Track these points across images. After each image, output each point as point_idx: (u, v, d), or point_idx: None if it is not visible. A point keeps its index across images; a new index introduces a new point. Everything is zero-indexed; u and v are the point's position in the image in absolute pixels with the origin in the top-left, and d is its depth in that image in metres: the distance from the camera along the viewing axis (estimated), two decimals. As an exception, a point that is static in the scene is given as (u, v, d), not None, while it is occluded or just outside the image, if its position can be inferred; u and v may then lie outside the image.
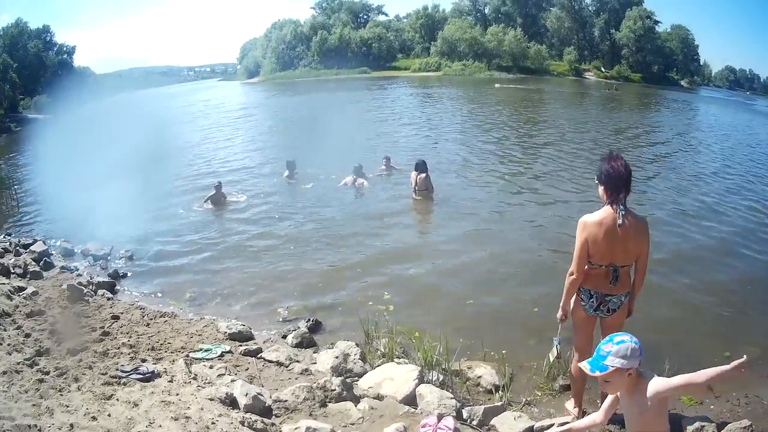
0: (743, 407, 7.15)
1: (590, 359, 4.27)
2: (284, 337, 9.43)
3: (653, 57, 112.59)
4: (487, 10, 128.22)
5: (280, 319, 10.22)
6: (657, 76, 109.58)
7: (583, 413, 6.66)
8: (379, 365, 8.06)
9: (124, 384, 6.82)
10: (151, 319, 9.78)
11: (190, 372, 7.40)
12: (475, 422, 6.64)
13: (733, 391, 7.49)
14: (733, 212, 16.63)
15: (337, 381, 7.05)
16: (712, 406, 7.17)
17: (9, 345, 7.61)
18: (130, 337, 8.74)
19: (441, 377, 7.62)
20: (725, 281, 11.54)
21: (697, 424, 6.22)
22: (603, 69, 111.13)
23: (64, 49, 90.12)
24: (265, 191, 18.90)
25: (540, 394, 7.58)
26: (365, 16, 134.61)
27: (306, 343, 9.13)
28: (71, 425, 5.43)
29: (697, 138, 33.67)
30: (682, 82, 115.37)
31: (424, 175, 16.80)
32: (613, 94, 70.54)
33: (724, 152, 28.66)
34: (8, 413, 5.54)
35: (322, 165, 20.88)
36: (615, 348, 4.18)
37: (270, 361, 8.25)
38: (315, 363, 8.33)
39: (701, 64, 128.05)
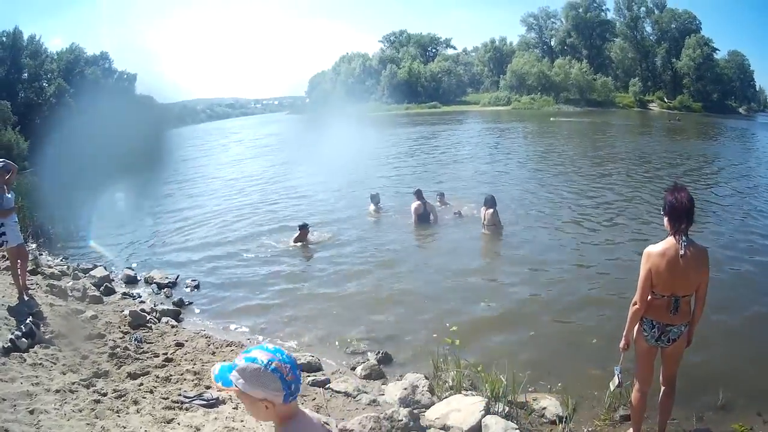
0: None
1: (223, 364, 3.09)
2: (353, 368, 9.33)
3: (713, 85, 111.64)
4: (553, 42, 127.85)
5: (349, 351, 10.10)
6: (717, 105, 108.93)
7: None
8: (446, 397, 7.94)
9: (187, 409, 6.76)
10: (217, 347, 9.72)
11: (256, 400, 7.23)
12: None
13: None
14: None
15: (404, 412, 6.90)
16: None
17: (64, 365, 7.61)
18: (195, 364, 8.69)
19: (507, 408, 7.55)
20: None
21: None
22: (666, 99, 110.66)
23: (125, 76, 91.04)
24: (346, 225, 18.64)
25: (601, 424, 7.52)
26: (434, 50, 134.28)
27: (375, 374, 9.02)
28: None
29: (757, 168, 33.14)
30: (740, 110, 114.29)
31: (492, 210, 16.64)
32: (675, 125, 70.25)
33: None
34: (58, 430, 5.47)
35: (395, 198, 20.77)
36: (242, 363, 2.93)
37: (338, 392, 8.15)
38: (383, 394, 8.24)
39: (757, 90, 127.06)
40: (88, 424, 5.78)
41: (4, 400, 6.06)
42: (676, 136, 51.64)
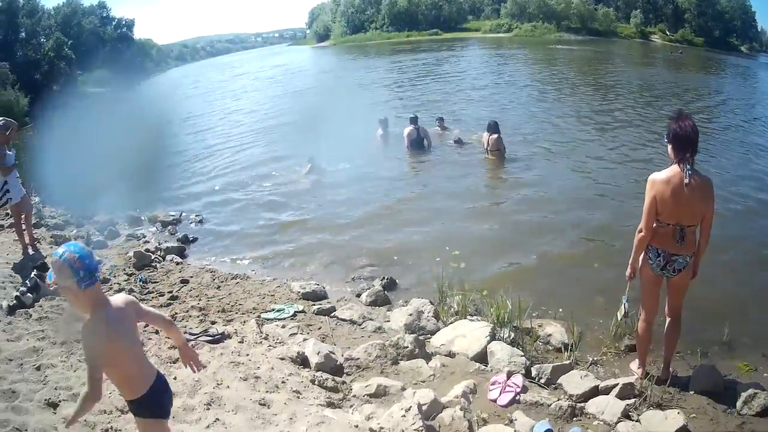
0: None
1: None
2: (358, 295, 9.37)
3: (714, 22, 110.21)
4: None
5: (355, 278, 10.14)
6: (718, 41, 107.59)
7: (646, 374, 6.64)
8: (452, 322, 7.99)
9: (192, 346, 6.64)
10: (222, 281, 9.80)
11: (261, 332, 7.39)
12: (543, 380, 6.61)
13: None
14: None
15: (409, 338, 7.02)
16: (765, 374, 7.03)
17: (69, 314, 7.62)
18: (200, 300, 8.76)
19: (512, 335, 7.63)
20: None
21: (750, 391, 6.08)
22: (667, 32, 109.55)
23: (123, 22, 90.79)
24: (353, 153, 18.16)
25: (607, 353, 7.55)
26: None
27: (380, 301, 9.05)
28: None
29: (754, 101, 32.73)
30: (743, 48, 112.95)
31: (496, 135, 16.48)
32: (678, 57, 69.42)
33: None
34: (65, 383, 5.54)
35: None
36: (52, 258, 3.68)
37: (343, 320, 8.23)
38: (388, 321, 8.28)
39: (759, 30, 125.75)
40: None
41: (11, 360, 6.11)
42: (680, 69, 50.87)
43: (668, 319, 6.62)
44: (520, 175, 15.51)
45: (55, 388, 5.49)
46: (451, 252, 10.57)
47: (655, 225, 6.09)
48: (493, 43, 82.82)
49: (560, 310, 8.52)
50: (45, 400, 5.23)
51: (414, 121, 18.03)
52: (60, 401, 5.24)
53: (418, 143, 17.92)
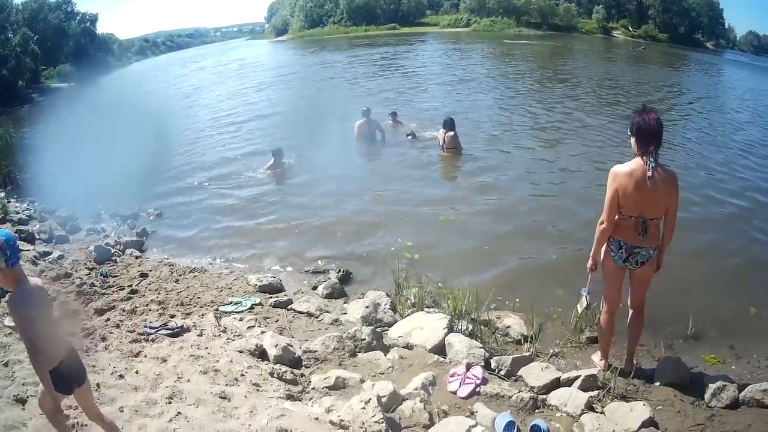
0: (764, 370, 7.11)
1: None
2: (315, 288, 9.45)
3: (679, 18, 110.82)
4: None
5: (311, 271, 10.21)
6: (683, 37, 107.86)
7: (609, 366, 6.67)
8: (409, 315, 8.07)
9: (153, 340, 6.86)
10: (180, 275, 9.84)
11: (219, 325, 7.45)
12: (503, 372, 6.65)
13: (755, 353, 7.47)
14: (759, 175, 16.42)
15: (367, 330, 7.07)
16: (733, 366, 7.15)
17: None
18: (159, 293, 8.79)
19: (470, 327, 7.65)
20: (748, 242, 11.41)
21: (719, 383, 6.15)
22: (630, 28, 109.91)
23: (87, 17, 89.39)
24: (314, 147, 18.00)
25: (567, 345, 7.61)
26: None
27: (336, 293, 9.14)
28: (97, 385, 5.47)
29: (724, 99, 33.06)
30: (708, 44, 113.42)
31: (452, 133, 16.46)
32: (640, 53, 69.66)
33: (751, 114, 28.17)
34: (32, 378, 5.57)
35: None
36: None
37: (300, 312, 8.29)
38: (345, 313, 8.34)
39: (726, 27, 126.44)
40: None
41: (-22, 358, 6.11)
42: (643, 65, 51.04)
43: (631, 312, 6.65)
44: (475, 172, 15.60)
45: (23, 384, 5.54)
46: (404, 243, 10.75)
47: (617, 217, 6.12)
48: (451, 37, 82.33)
49: (517, 301, 8.58)
50: (13, 396, 5.29)
51: (366, 113, 18.03)
52: (28, 396, 5.30)
53: (370, 136, 17.95)
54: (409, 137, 18.20)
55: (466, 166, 16.11)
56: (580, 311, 7.20)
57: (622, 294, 6.58)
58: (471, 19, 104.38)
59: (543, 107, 24.74)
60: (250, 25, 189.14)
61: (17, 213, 13.40)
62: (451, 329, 7.41)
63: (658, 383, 6.45)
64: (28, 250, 10.40)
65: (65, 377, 4.31)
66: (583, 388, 6.14)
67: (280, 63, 58.76)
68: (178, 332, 7.13)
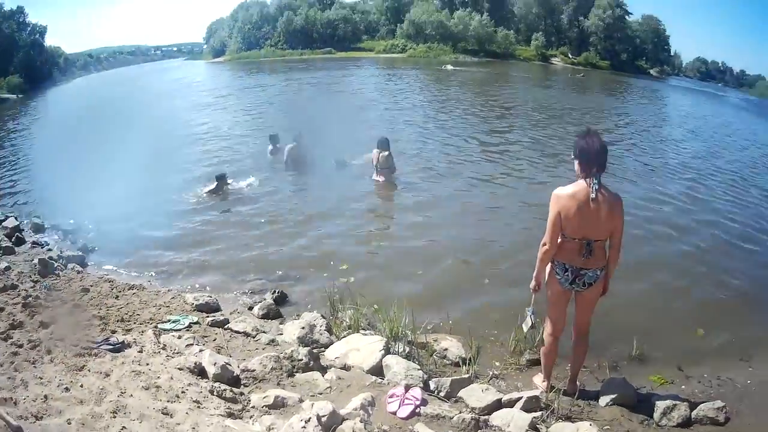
0: (715, 388, 7.31)
1: None
2: (250, 308, 9.58)
3: (622, 45, 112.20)
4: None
5: (247, 291, 10.37)
6: (625, 64, 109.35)
7: (552, 388, 6.69)
8: (344, 336, 8.19)
9: (95, 355, 6.91)
10: (120, 291, 9.88)
11: (159, 342, 7.53)
12: (442, 393, 6.74)
13: (705, 372, 7.67)
14: (708, 195, 17.20)
15: (303, 351, 7.19)
16: (683, 386, 7.33)
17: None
18: (100, 309, 8.82)
19: (407, 349, 7.71)
20: (693, 264, 11.80)
21: (668, 402, 6.34)
22: (570, 55, 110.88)
23: (37, 29, 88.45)
24: (247, 169, 18.57)
25: (507, 368, 7.73)
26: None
27: (272, 314, 9.29)
28: (45, 396, 5.54)
29: (660, 123, 34.20)
30: (652, 71, 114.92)
31: (387, 152, 16.57)
32: (579, 79, 70.30)
33: (687, 137, 29.29)
34: None
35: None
36: None
37: (237, 332, 8.39)
38: (281, 334, 8.47)
39: (672, 54, 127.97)
40: (9, 378, 5.92)
41: None
42: (582, 91, 51.83)
43: (575, 334, 6.72)
44: (407, 195, 15.96)
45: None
46: (339, 267, 11.00)
47: (560, 240, 6.14)
48: (386, 63, 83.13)
49: (451, 323, 8.71)
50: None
51: (297, 138, 18.26)
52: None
53: (301, 161, 18.08)
54: (336, 163, 18.28)
55: (399, 187, 16.49)
56: (525, 330, 7.15)
57: (566, 316, 6.63)
58: (407, 45, 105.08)
59: (479, 133, 25.40)
60: (189, 45, 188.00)
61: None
62: (387, 351, 7.47)
63: (603, 403, 6.59)
64: (-25, 262, 10.42)
65: None
66: (526, 409, 6.21)
67: (217, 85, 58.65)
68: (119, 348, 7.19)
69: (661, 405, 6.34)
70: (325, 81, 52.78)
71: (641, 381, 7.33)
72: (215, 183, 15.95)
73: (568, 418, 6.18)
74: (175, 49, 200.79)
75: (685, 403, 6.37)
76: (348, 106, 33.77)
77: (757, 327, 9.24)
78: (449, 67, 76.06)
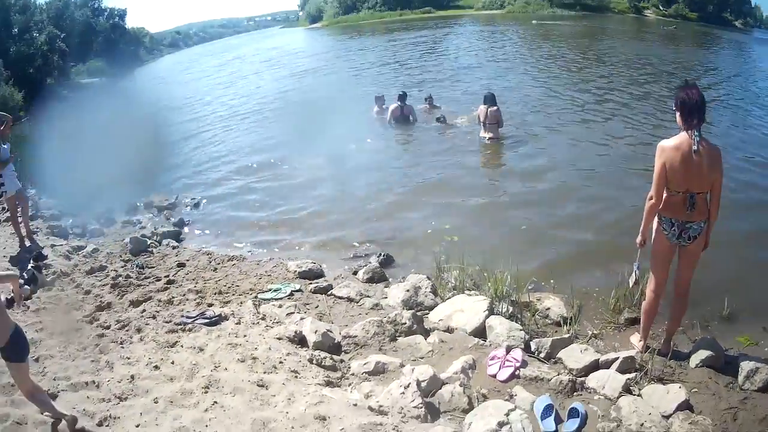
0: None
1: None
2: (355, 273, 9.35)
3: None
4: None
5: (351, 256, 10.13)
6: (712, 16, 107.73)
7: (647, 348, 6.59)
8: (449, 298, 7.96)
9: (190, 330, 6.83)
10: (219, 263, 9.79)
11: (258, 313, 7.41)
12: (542, 354, 6.55)
13: None
14: None
15: (407, 314, 7.01)
16: (766, 348, 6.97)
17: (67, 304, 7.70)
18: (197, 283, 8.76)
19: (510, 309, 7.58)
20: None
21: (752, 365, 6.01)
22: (661, 7, 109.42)
23: (115, 12, 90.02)
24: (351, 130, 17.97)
25: (606, 327, 7.49)
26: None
27: (377, 278, 9.04)
28: (132, 377, 5.44)
29: (757, 78, 32.41)
30: (737, 23, 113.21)
31: (494, 108, 16.12)
32: (671, 31, 69.15)
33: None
34: (64, 373, 5.58)
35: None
36: None
37: (340, 298, 8.23)
38: (386, 297, 8.26)
39: (752, 6, 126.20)
40: (92, 360, 5.87)
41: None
42: (675, 44, 50.36)
43: (676, 292, 6.55)
44: (512, 156, 15.42)
45: (54, 379, 5.49)
46: (443, 227, 10.64)
47: (665, 195, 6.08)
48: (486, 20, 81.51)
49: (561, 284, 8.44)
50: (45, 391, 5.21)
51: (402, 98, 18.14)
52: (59, 392, 5.24)
53: (404, 119, 17.99)
54: (440, 121, 17.99)
55: (503, 149, 15.93)
56: (631, 285, 7.14)
57: (669, 273, 6.48)
58: (505, 0, 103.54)
59: (578, 89, 24.37)
60: (284, 13, 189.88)
61: (49, 209, 13.45)
62: (491, 312, 7.31)
63: (693, 365, 6.36)
64: (61, 245, 10.47)
65: (16, 351, 4.64)
66: (621, 370, 6.07)
67: (318, 50, 58.53)
68: (215, 321, 7.09)
69: (745, 368, 6.05)
70: (426, 41, 51.65)
71: (730, 342, 7.03)
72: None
73: (660, 380, 6.04)
74: (269, 18, 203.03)
75: (767, 366, 6.04)
76: (451, 66, 33.01)
77: None
78: (534, 21, 74.98)
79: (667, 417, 5.37)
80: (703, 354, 6.37)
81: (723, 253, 8.86)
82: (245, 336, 6.60)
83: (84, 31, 77.55)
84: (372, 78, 30.15)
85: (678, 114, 5.99)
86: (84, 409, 4.85)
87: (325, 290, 8.45)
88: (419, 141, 16.85)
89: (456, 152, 15.50)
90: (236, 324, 7.03)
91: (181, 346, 6.32)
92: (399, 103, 17.96)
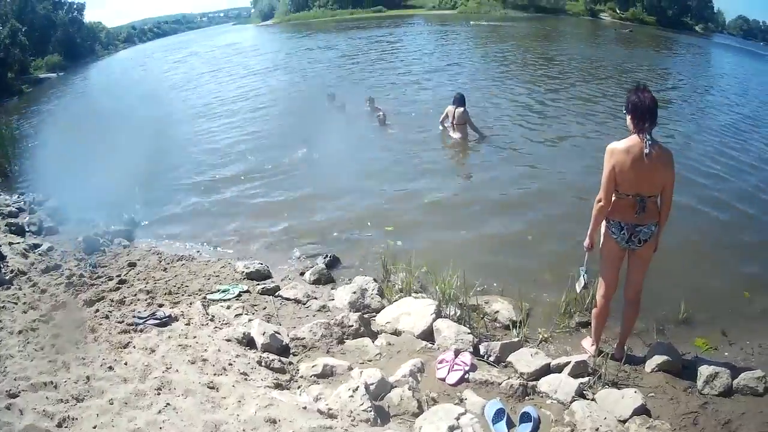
0: (757, 356, 7.11)
1: None
2: (302, 274, 9.45)
3: (667, 1, 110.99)
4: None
5: (298, 257, 10.24)
6: (671, 20, 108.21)
7: (600, 352, 6.70)
8: (396, 300, 8.06)
9: (141, 331, 6.89)
10: (169, 263, 9.85)
11: (207, 314, 7.48)
12: (492, 358, 6.64)
13: (748, 339, 7.46)
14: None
15: (354, 317, 7.11)
16: (726, 353, 7.14)
17: (25, 303, 7.72)
18: (147, 283, 8.80)
19: (458, 312, 7.64)
20: (741, 225, 11.47)
21: (711, 370, 6.15)
22: (618, 10, 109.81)
23: (74, 6, 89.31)
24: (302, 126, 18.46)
25: (557, 331, 7.59)
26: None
27: (324, 279, 9.15)
28: (87, 377, 5.49)
29: (711, 81, 33.13)
30: (697, 28, 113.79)
31: (462, 109, 16.41)
32: (626, 35, 69.58)
33: (739, 96, 28.33)
34: (23, 373, 5.62)
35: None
36: None
37: (287, 299, 8.32)
38: (333, 299, 8.36)
39: (715, 11, 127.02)
40: (50, 360, 5.91)
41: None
42: (629, 47, 50.84)
43: (627, 297, 6.62)
44: (465, 155, 15.72)
45: (15, 379, 5.54)
46: (388, 229, 10.89)
47: (614, 198, 6.12)
48: (438, 20, 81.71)
49: (498, 286, 8.66)
50: (6, 391, 5.29)
51: (371, 101, 18.78)
52: (20, 392, 5.30)
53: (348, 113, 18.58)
54: (380, 117, 18.26)
55: (464, 150, 16.17)
56: (578, 291, 7.14)
57: (620, 276, 6.55)
58: (458, 1, 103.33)
59: (530, 90, 24.64)
60: (237, 9, 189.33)
61: (7, 206, 13.36)
62: (439, 315, 7.37)
63: (649, 369, 6.44)
64: (18, 243, 10.44)
65: None
66: (574, 374, 6.14)
67: (271, 48, 58.23)
68: (166, 322, 7.15)
69: (704, 372, 6.18)
70: (376, 40, 51.78)
71: (687, 346, 7.20)
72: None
73: (615, 384, 6.17)
74: (221, 14, 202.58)
75: (727, 371, 6.20)
76: (402, 67, 33.34)
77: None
78: (471, 23, 74.69)
79: (624, 421, 5.47)
80: (659, 359, 6.47)
81: (679, 255, 9.41)
82: (195, 337, 6.68)
83: (44, 24, 76.73)
84: (330, 76, 30.31)
85: (629, 117, 6.05)
86: (44, 410, 4.92)
87: (272, 291, 8.56)
88: (368, 141, 17.01)
89: (407, 152, 15.73)
90: (186, 325, 7.11)
91: (134, 347, 6.38)
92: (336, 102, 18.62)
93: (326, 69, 33.96)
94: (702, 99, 25.69)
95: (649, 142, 5.85)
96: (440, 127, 17.07)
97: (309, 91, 25.30)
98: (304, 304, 8.19)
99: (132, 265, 9.69)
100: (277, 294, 8.51)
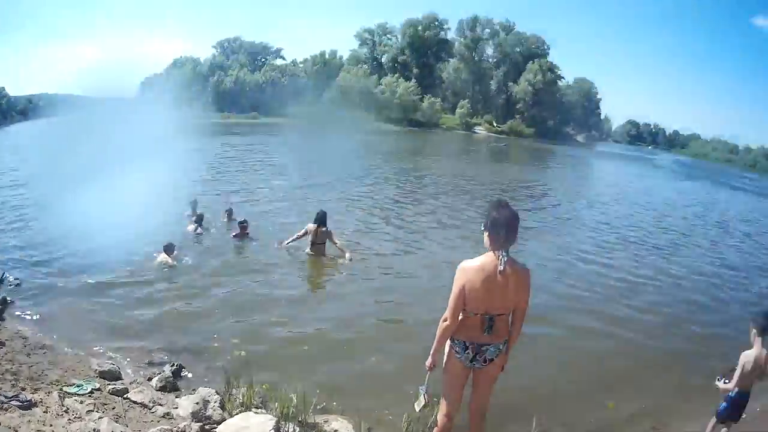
0: None
1: None
2: (149, 379, 9.83)
3: (549, 112, 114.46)
4: (384, 59, 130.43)
5: (147, 362, 10.64)
6: (551, 131, 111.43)
7: None
8: (237, 413, 8.38)
9: (6, 410, 7.20)
10: (32, 349, 10.09)
11: (63, 405, 7.81)
12: None
13: None
14: (620, 264, 18.39)
15: (195, 427, 7.59)
16: None
17: None
18: (13, 364, 9.06)
19: (297, 429, 7.78)
20: (600, 335, 12.33)
21: None
22: (495, 123, 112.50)
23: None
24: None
25: None
26: (263, 59, 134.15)
27: (169, 387, 9.54)
28: None
29: (579, 190, 35.65)
30: (578, 138, 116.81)
31: (324, 228, 16.84)
32: (500, 149, 70.84)
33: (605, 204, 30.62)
34: None
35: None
36: None
37: (135, 402, 8.64)
38: (177, 407, 8.67)
39: (601, 118, 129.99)
40: None
41: None
42: (499, 161, 52.95)
43: (473, 418, 6.60)
44: (329, 267, 16.41)
45: None
46: (235, 341, 11.30)
47: (461, 316, 6.06)
48: (307, 128, 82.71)
49: (338, 405, 8.93)
50: None
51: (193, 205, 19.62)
52: None
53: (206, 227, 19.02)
54: (234, 237, 18.51)
55: (319, 265, 16.69)
56: (417, 410, 6.88)
57: (463, 395, 6.55)
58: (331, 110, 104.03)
59: (394, 205, 26.05)
60: (120, 99, 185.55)
61: None
62: (277, 431, 7.49)
63: None
64: None
65: None
66: None
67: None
68: (27, 405, 7.47)
69: None
70: (246, 147, 53.03)
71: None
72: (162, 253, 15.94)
73: None
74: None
75: None
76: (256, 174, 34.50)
77: (665, 393, 9.81)
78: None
79: None
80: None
81: (528, 367, 9.90)
82: (51, 426, 7.02)
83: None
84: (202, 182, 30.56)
85: (486, 234, 6.05)
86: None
87: (121, 393, 8.85)
88: (220, 252, 17.43)
89: (263, 265, 16.30)
90: (44, 412, 7.43)
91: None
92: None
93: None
94: (563, 211, 27.83)
95: (505, 260, 5.86)
96: (288, 243, 17.39)
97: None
98: (150, 409, 8.51)
99: (1, 344, 9.91)
100: (125, 396, 8.81)
